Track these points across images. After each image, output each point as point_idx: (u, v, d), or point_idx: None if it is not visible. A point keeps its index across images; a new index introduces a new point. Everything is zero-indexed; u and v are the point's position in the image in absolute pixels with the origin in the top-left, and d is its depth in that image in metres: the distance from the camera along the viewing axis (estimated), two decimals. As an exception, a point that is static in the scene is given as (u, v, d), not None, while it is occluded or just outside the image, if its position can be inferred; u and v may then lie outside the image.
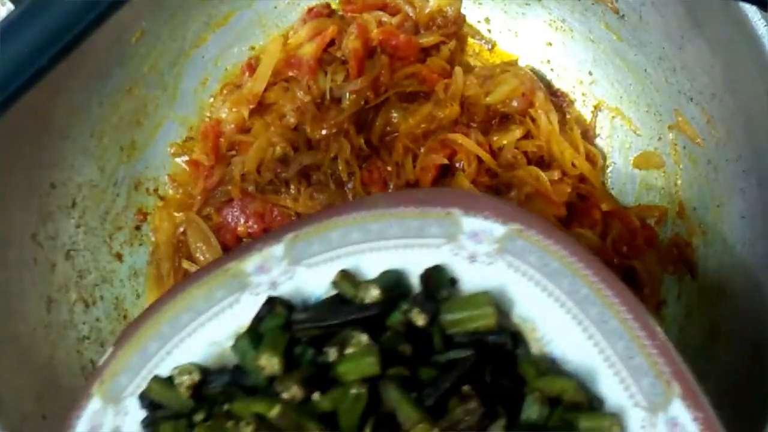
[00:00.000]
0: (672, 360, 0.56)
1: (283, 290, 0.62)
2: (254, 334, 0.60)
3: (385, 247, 0.63)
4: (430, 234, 0.62)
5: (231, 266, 0.64)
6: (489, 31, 0.97)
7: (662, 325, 0.86)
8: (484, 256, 0.61)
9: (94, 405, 0.62)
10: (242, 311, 0.62)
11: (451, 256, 0.61)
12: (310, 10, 0.94)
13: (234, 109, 0.92)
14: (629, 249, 0.87)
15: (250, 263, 0.64)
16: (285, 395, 0.55)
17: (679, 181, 0.87)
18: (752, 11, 0.67)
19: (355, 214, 0.63)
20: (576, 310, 0.58)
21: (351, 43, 0.90)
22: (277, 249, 0.63)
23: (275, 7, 0.96)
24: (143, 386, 0.62)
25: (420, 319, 0.57)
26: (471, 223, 0.61)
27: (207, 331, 0.62)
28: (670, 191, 0.88)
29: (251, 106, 0.91)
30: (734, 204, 0.78)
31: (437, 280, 0.60)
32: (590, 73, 0.94)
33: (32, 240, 0.82)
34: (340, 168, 0.86)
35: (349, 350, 0.56)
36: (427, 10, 0.93)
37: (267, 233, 0.69)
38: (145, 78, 0.91)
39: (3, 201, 0.78)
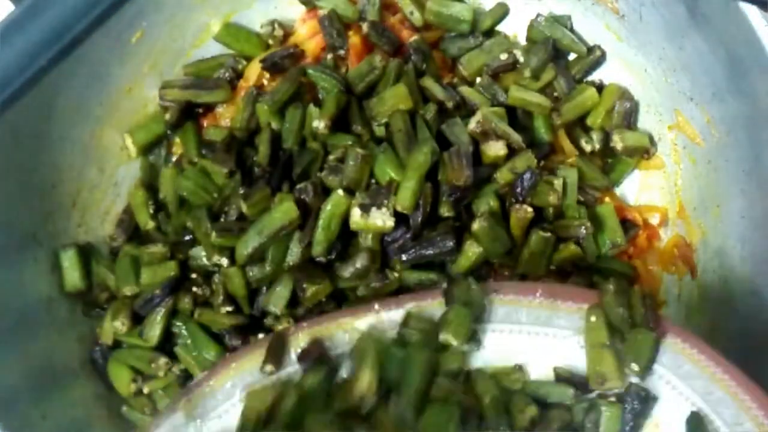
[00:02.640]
0: None
1: None
2: None
3: (509, 330, 0.66)
4: (557, 325, 0.65)
5: (345, 321, 0.68)
6: (489, 30, 0.97)
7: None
8: None
9: (176, 419, 0.64)
10: None
11: (578, 347, 0.65)
12: (310, 10, 0.94)
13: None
14: (632, 247, 0.88)
15: (363, 322, 0.67)
16: None
17: (679, 181, 0.87)
18: (752, 11, 0.67)
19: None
20: (707, 410, 0.60)
21: (351, 38, 0.90)
22: (396, 314, 0.67)
23: (275, 8, 0.96)
24: (231, 413, 0.64)
25: None
26: None
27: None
28: (670, 191, 0.88)
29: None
30: (734, 204, 0.78)
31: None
32: (590, 73, 0.94)
33: (32, 240, 0.82)
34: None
35: None
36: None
37: (388, 298, 0.73)
38: (145, 78, 0.91)
39: (3, 201, 0.78)
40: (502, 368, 0.66)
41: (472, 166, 0.79)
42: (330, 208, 0.78)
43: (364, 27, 0.90)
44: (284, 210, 0.78)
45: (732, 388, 0.60)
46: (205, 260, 0.82)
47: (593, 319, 0.64)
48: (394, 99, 0.84)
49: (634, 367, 0.62)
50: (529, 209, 0.81)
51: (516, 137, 0.83)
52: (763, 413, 0.58)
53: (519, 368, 0.66)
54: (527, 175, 0.81)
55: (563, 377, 0.66)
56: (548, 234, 0.80)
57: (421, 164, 0.79)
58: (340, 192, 0.78)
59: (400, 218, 0.78)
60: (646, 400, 0.63)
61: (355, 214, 0.77)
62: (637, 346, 0.63)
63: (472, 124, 0.82)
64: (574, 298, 0.66)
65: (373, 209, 0.76)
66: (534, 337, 0.65)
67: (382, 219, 0.76)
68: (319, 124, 0.83)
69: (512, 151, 0.82)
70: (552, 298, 0.66)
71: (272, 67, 0.91)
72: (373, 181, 0.81)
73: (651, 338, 0.63)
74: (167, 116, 0.91)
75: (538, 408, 0.64)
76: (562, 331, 0.65)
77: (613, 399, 0.63)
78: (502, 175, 0.81)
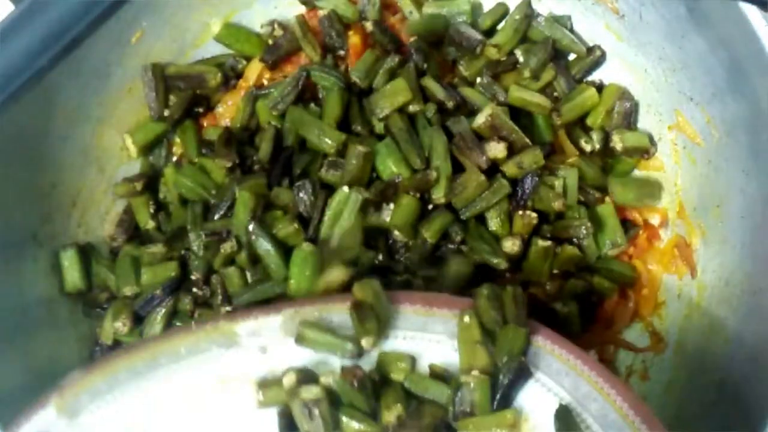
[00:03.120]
0: None
1: (272, 355, 0.66)
2: None
3: (387, 336, 0.68)
4: (433, 330, 0.67)
5: (223, 325, 0.67)
6: (489, 30, 0.97)
7: (662, 326, 0.86)
8: None
9: (47, 414, 0.65)
10: (226, 364, 0.66)
11: (452, 351, 0.67)
12: (310, 10, 0.94)
13: (229, 102, 0.93)
14: (633, 247, 0.88)
15: (243, 326, 0.67)
16: None
17: (679, 181, 0.87)
18: (752, 11, 0.67)
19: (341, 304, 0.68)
20: (575, 404, 0.64)
21: (350, 38, 0.90)
22: (275, 319, 0.67)
23: (275, 8, 0.96)
24: (103, 410, 0.64)
25: None
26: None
27: (183, 375, 0.66)
28: (670, 191, 0.88)
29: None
30: (734, 204, 0.78)
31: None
32: (590, 73, 0.94)
33: (32, 240, 0.82)
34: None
35: None
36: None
37: (266, 305, 0.73)
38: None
39: (3, 201, 0.78)
40: (393, 354, 0.67)
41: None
42: (336, 204, 0.78)
43: (368, 26, 0.90)
44: (243, 201, 0.79)
45: (598, 383, 0.63)
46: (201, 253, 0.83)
47: (466, 319, 0.66)
48: (393, 92, 0.84)
49: (504, 358, 0.64)
50: (533, 215, 0.81)
51: (521, 135, 0.83)
52: (627, 404, 0.62)
53: (409, 357, 0.67)
54: (528, 179, 0.81)
55: (437, 374, 0.66)
56: (548, 243, 0.81)
57: (446, 150, 0.80)
58: (345, 189, 0.78)
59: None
60: (519, 372, 0.64)
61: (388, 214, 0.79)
62: (507, 340, 0.65)
63: (482, 119, 0.82)
64: (449, 305, 0.68)
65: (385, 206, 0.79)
66: (410, 342, 0.67)
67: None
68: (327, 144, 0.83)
69: (511, 153, 0.83)
70: (428, 306, 0.68)
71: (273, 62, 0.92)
72: (374, 175, 0.81)
73: (522, 333, 0.65)
74: (167, 112, 0.90)
75: (413, 403, 0.65)
76: (438, 336, 0.67)
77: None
78: (508, 169, 0.82)
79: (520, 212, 0.81)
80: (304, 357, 0.66)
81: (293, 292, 0.76)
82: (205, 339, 0.66)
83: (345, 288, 0.73)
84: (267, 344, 0.67)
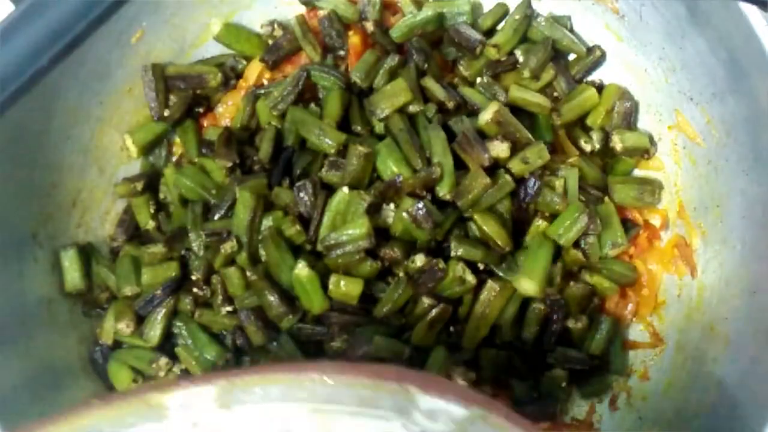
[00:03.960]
0: None
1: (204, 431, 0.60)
2: None
3: (329, 411, 0.61)
4: (381, 406, 0.61)
5: (151, 396, 0.60)
6: (489, 31, 0.97)
7: (662, 326, 0.86)
8: None
9: (206, 391, 0.60)
10: None
11: (401, 430, 0.61)
12: (310, 10, 0.95)
13: (229, 102, 0.93)
14: (633, 247, 0.88)
15: (172, 397, 0.60)
16: None
17: (679, 181, 0.87)
18: (752, 11, 0.67)
19: (304, 375, 0.61)
20: None
21: (350, 38, 0.90)
22: (207, 390, 0.61)
23: (275, 7, 0.96)
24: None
25: None
26: (428, 401, 0.60)
27: None
28: (670, 191, 0.88)
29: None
30: (734, 204, 0.78)
31: None
32: (590, 73, 0.94)
33: (32, 240, 0.82)
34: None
35: None
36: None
37: (198, 375, 0.69)
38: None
39: (3, 201, 0.78)
40: None
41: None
42: (335, 205, 0.78)
43: (370, 26, 0.90)
44: (243, 201, 0.79)
45: None
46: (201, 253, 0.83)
47: None
48: (393, 92, 0.84)
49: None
50: (544, 224, 0.81)
51: (526, 132, 0.83)
52: None
53: None
54: (531, 182, 0.81)
55: None
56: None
57: (444, 146, 0.80)
58: (345, 189, 0.78)
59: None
60: None
61: (390, 215, 0.79)
62: None
63: (489, 115, 0.82)
64: (399, 378, 0.62)
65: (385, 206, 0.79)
66: (355, 418, 0.62)
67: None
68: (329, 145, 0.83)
69: (513, 153, 0.83)
70: (376, 379, 0.62)
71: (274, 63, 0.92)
72: (375, 175, 0.82)
73: None
74: (167, 112, 0.90)
75: None
76: (387, 413, 0.61)
77: None
78: (514, 166, 0.81)
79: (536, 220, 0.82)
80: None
81: (307, 309, 0.78)
82: (131, 413, 0.60)
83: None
84: (199, 420, 0.60)
